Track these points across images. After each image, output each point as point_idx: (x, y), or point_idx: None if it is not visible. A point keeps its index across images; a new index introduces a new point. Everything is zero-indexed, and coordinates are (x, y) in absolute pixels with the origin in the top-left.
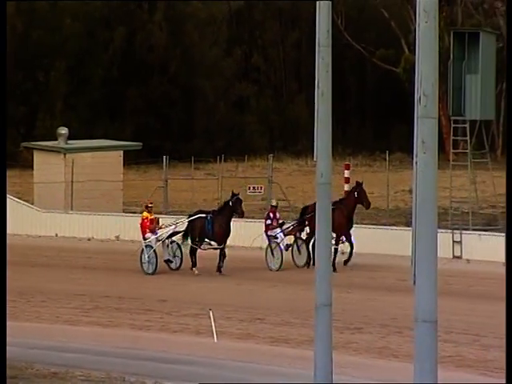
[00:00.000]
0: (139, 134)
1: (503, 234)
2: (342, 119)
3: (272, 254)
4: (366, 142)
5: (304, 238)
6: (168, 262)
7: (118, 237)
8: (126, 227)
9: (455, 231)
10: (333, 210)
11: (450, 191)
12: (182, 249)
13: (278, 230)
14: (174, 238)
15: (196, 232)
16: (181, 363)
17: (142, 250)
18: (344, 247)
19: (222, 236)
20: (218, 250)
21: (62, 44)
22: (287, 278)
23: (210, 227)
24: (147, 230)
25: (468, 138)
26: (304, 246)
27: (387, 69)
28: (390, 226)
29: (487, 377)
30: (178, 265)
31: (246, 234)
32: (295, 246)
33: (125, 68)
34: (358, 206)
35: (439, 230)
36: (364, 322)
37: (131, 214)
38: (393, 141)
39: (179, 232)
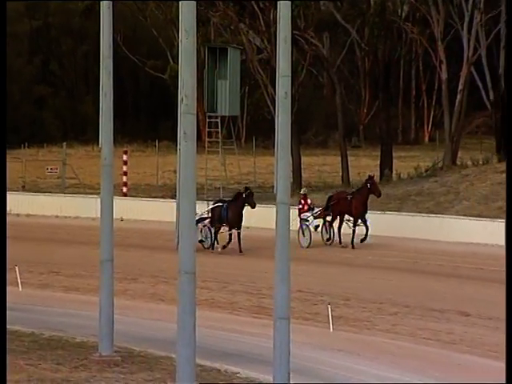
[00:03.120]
0: None
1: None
2: (122, 114)
3: (303, 233)
4: (140, 133)
5: (330, 220)
6: (201, 242)
7: None
8: None
9: (209, 202)
10: (351, 198)
11: (205, 171)
12: (212, 231)
13: (309, 213)
14: (205, 222)
15: (216, 217)
16: None
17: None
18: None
19: (233, 221)
20: (236, 233)
21: None
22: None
23: (225, 214)
24: None
25: (219, 129)
26: (331, 226)
27: (157, 76)
28: (159, 198)
29: (233, 315)
30: (209, 244)
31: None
32: (324, 227)
33: None
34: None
35: (197, 202)
36: (138, 274)
37: None
38: (161, 132)
39: (206, 218)
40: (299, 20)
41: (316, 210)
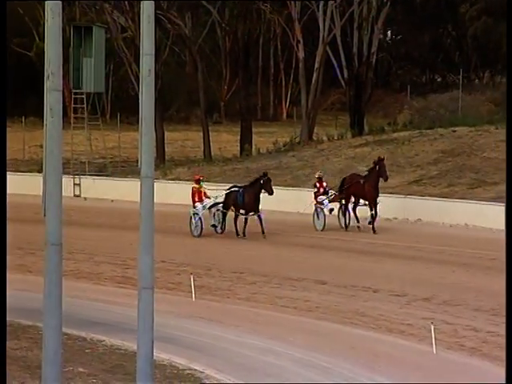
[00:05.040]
0: None
1: (112, 178)
2: None
3: (318, 216)
4: (7, 109)
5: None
6: (214, 226)
7: None
8: None
9: (75, 176)
10: (363, 182)
11: (71, 146)
12: (226, 216)
13: (324, 197)
14: (218, 207)
15: (230, 202)
16: None
17: (191, 216)
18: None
19: (249, 206)
20: (257, 217)
21: None
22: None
23: (241, 199)
24: (196, 200)
25: (85, 105)
26: (347, 210)
27: (23, 53)
28: (26, 172)
29: (99, 285)
30: (221, 229)
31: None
32: (340, 211)
33: None
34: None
35: (63, 176)
36: None
37: None
38: (28, 108)
39: (220, 202)
40: (162, 0)
41: (330, 193)
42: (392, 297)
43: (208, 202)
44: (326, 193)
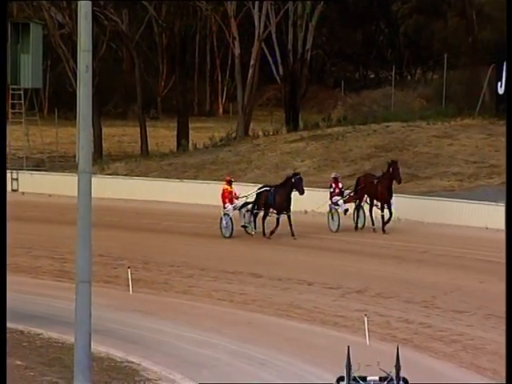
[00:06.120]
0: None
1: (49, 173)
2: None
3: (332, 217)
4: None
5: (362, 204)
6: (244, 227)
7: None
8: None
9: (13, 171)
10: (377, 183)
11: (8, 141)
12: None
13: (339, 197)
14: (248, 207)
15: (261, 202)
16: None
17: (221, 217)
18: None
19: (281, 206)
20: (287, 217)
21: None
22: None
23: (272, 199)
24: (226, 201)
25: (22, 101)
26: (362, 211)
27: None
28: None
29: (37, 279)
30: (252, 229)
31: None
32: (355, 211)
33: None
34: None
35: None
36: None
37: None
38: None
39: (250, 203)
40: (99, 0)
41: (345, 193)
42: (326, 289)
43: (238, 203)
44: (341, 193)
